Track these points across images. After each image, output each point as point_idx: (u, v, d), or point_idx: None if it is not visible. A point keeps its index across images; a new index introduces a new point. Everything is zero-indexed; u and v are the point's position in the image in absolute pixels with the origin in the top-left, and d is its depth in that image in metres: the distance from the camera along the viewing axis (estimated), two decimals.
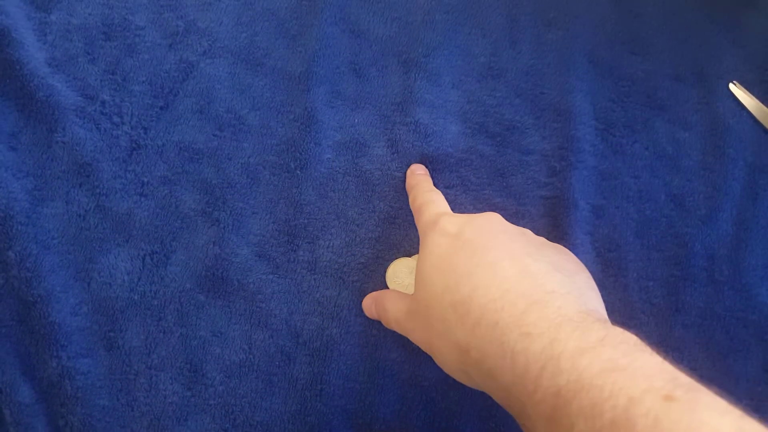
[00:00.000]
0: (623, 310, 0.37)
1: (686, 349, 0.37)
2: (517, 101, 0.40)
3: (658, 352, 0.21)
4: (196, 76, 0.39)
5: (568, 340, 0.21)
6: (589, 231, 0.38)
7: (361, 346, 0.36)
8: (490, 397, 0.25)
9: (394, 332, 0.32)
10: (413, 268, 0.36)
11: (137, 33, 0.39)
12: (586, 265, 0.29)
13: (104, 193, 0.36)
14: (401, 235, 0.38)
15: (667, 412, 0.18)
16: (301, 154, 0.38)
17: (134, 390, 0.34)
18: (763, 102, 0.40)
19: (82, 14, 0.39)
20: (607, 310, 0.27)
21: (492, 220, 0.29)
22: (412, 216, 0.36)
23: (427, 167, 0.39)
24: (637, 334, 0.22)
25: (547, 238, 0.31)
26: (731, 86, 0.41)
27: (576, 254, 0.30)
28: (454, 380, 0.27)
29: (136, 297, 0.35)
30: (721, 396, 0.18)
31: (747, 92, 0.41)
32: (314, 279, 0.37)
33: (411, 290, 0.35)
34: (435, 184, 0.37)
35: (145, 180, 0.37)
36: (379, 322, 0.35)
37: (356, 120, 0.39)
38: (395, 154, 0.39)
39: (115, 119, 0.38)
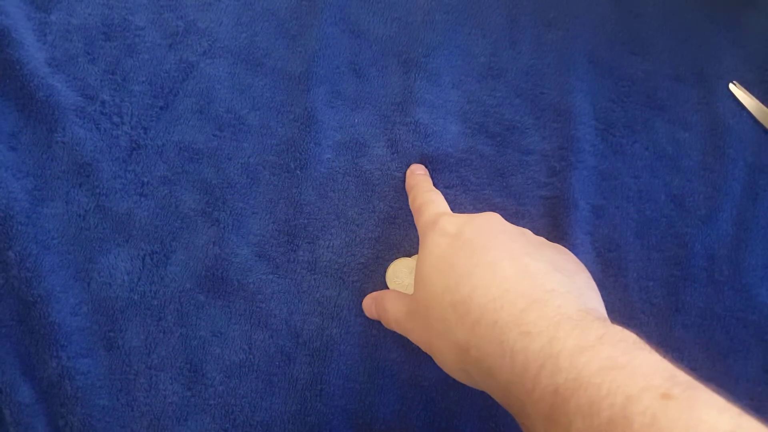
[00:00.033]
0: (623, 310, 0.37)
1: (686, 349, 0.37)
2: (517, 101, 0.40)
3: (658, 352, 0.21)
4: (196, 76, 0.39)
5: (567, 339, 0.21)
6: (589, 231, 0.38)
7: (361, 346, 0.36)
8: (490, 397, 0.25)
9: (394, 332, 0.32)
10: (413, 268, 0.36)
11: (137, 33, 0.39)
12: (586, 265, 0.29)
13: (104, 193, 0.36)
14: (401, 235, 0.38)
15: (665, 410, 0.18)
16: (301, 154, 0.38)
17: (134, 390, 0.34)
18: (763, 102, 0.40)
19: (82, 14, 0.39)
20: (607, 310, 0.27)
21: (491, 220, 0.29)
22: (412, 216, 0.36)
23: (427, 167, 0.39)
24: (637, 334, 0.22)
25: (547, 238, 0.31)
26: (731, 86, 0.41)
27: (576, 254, 0.30)
28: (454, 380, 0.27)
29: (136, 297, 0.35)
30: (721, 395, 0.18)
31: (747, 92, 0.41)
32: (314, 279, 0.37)
33: (411, 290, 0.35)
34: (435, 184, 0.37)
35: (145, 180, 0.37)
36: (379, 323, 0.35)
37: (356, 120, 0.39)
38: (395, 154, 0.39)
39: (115, 119, 0.38)
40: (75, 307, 0.35)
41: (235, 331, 0.36)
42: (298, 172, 0.38)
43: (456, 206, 0.38)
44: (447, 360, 0.26)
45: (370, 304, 0.35)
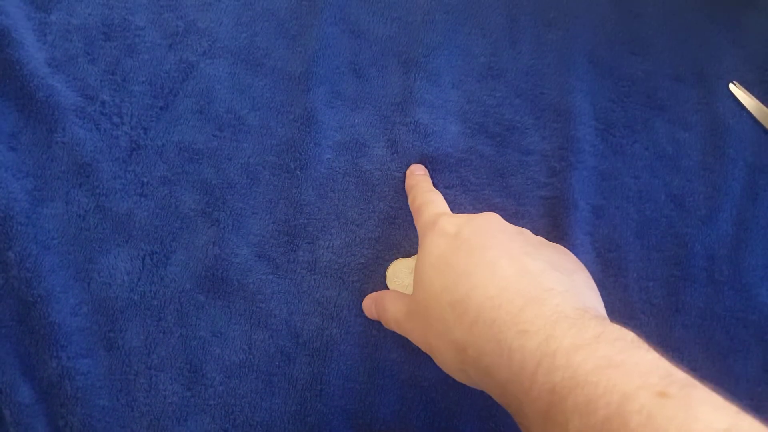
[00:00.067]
0: (623, 310, 0.37)
1: (686, 349, 0.37)
2: (517, 101, 0.40)
3: (658, 351, 0.21)
4: (196, 76, 0.39)
5: (563, 337, 0.21)
6: (589, 231, 0.38)
7: (361, 346, 0.36)
8: (490, 398, 0.25)
9: (394, 333, 0.32)
10: (413, 269, 0.36)
11: (137, 33, 0.39)
12: (586, 266, 0.29)
13: (104, 194, 0.36)
14: (401, 235, 0.38)
15: (661, 408, 0.18)
16: (301, 154, 0.38)
17: (134, 390, 0.34)
18: (763, 102, 0.40)
19: (82, 14, 0.39)
20: (607, 310, 0.27)
21: (490, 220, 0.29)
22: (411, 216, 0.36)
23: (426, 167, 0.39)
24: (636, 334, 0.22)
25: (547, 239, 0.31)
26: (731, 86, 0.41)
27: (576, 254, 0.30)
28: (454, 380, 0.27)
29: (136, 297, 0.35)
30: (719, 394, 0.18)
31: (747, 92, 0.41)
32: (314, 279, 0.37)
33: (411, 290, 0.35)
34: (435, 185, 0.37)
35: (145, 180, 0.37)
36: (379, 323, 0.35)
37: (356, 120, 0.39)
38: (395, 155, 0.39)
39: (115, 119, 0.38)
40: (75, 308, 0.35)
41: (235, 331, 0.36)
42: (298, 172, 0.38)
43: (456, 206, 0.38)
44: (446, 360, 0.26)
45: (370, 304, 0.35)
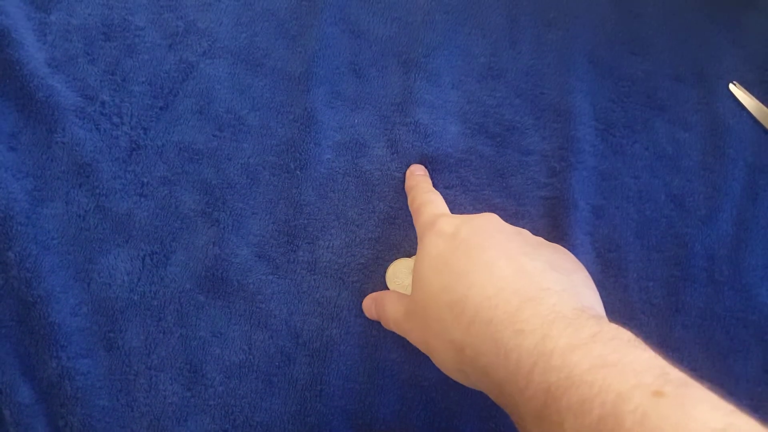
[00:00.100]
0: (623, 310, 0.37)
1: (686, 349, 0.37)
2: (517, 101, 0.40)
3: (658, 352, 0.21)
4: (196, 76, 0.39)
5: (559, 337, 0.21)
6: (589, 231, 0.38)
7: (361, 346, 0.36)
8: (489, 398, 0.25)
9: (394, 333, 0.32)
10: (413, 269, 0.36)
11: (137, 33, 0.39)
12: (586, 266, 0.29)
13: (104, 194, 0.36)
14: (401, 235, 0.38)
15: (656, 407, 0.18)
16: (301, 154, 0.38)
17: (134, 390, 0.34)
18: (763, 102, 0.40)
19: (82, 14, 0.39)
20: (607, 310, 0.27)
21: (489, 220, 0.29)
22: (411, 216, 0.36)
23: (426, 168, 0.39)
24: (636, 334, 0.22)
25: (547, 239, 0.31)
26: (731, 86, 0.41)
27: (576, 254, 0.30)
28: (453, 380, 0.27)
29: (135, 297, 0.35)
30: (719, 394, 0.18)
31: (747, 92, 0.41)
32: (314, 279, 0.37)
33: (410, 291, 0.35)
34: (434, 185, 0.37)
35: (145, 180, 0.37)
36: (379, 323, 0.35)
37: (356, 120, 0.39)
38: (395, 155, 0.39)
39: (115, 120, 0.38)
40: (75, 308, 0.35)
41: (234, 331, 0.36)
42: (298, 172, 0.38)
43: (455, 207, 0.38)
44: (444, 360, 0.26)
45: (370, 304, 0.35)
